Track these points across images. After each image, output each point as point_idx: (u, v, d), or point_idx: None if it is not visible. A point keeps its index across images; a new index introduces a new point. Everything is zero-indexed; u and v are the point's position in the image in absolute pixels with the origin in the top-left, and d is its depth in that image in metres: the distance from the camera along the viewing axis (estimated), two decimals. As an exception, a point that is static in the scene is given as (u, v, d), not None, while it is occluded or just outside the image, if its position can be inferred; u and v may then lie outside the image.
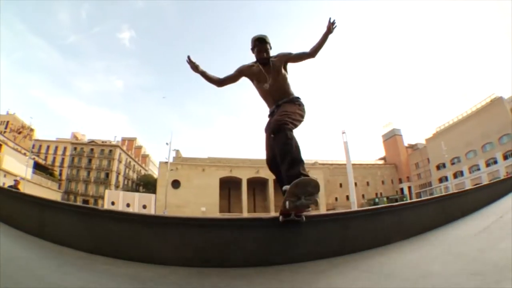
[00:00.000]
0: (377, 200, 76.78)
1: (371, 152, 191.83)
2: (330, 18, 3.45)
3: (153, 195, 48.95)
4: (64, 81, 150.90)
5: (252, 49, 3.66)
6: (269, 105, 3.71)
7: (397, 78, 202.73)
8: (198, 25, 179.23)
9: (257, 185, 59.39)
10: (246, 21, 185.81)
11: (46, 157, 76.33)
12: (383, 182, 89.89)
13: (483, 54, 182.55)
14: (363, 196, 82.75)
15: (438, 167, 76.75)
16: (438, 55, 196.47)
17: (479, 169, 67.56)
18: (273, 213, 52.49)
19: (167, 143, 49.17)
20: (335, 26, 3.49)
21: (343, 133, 36.90)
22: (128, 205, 43.56)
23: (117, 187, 76.14)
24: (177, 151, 67.02)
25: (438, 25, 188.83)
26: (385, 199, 74.93)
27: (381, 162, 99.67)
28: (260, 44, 3.59)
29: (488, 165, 65.78)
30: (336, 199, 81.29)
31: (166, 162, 52.08)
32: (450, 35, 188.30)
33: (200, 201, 52.93)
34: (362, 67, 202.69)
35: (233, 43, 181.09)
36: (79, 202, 63.37)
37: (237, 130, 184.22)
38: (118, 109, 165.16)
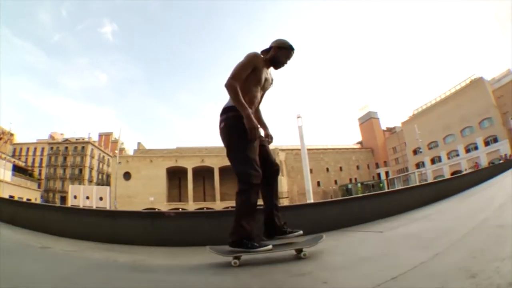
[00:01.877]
0: (350, 186, 70.20)
1: (349, 136, 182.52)
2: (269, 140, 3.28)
3: (108, 188, 51.46)
4: (51, 81, 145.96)
5: (279, 48, 3.08)
6: (251, 104, 3.00)
7: (376, 59, 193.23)
8: (181, 14, 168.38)
9: (206, 174, 57.53)
10: (232, 11, 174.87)
11: (26, 159, 77.30)
12: (358, 167, 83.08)
13: (465, 34, 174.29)
14: (335, 181, 76.56)
15: (415, 152, 69.69)
16: (417, 34, 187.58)
17: (458, 155, 61.15)
18: (218, 202, 53.70)
19: (116, 138, 53.44)
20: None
21: (298, 117, 33.52)
22: (87, 197, 47.01)
23: (90, 181, 77.84)
24: (139, 143, 72.28)
25: (417, 4, 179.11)
26: (359, 184, 68.56)
27: (358, 146, 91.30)
28: (292, 54, 3.15)
29: (468, 151, 59.46)
30: None
31: (115, 156, 53.41)
32: (429, 14, 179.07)
33: (149, 191, 52.79)
34: (338, 48, 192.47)
35: (218, 31, 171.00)
36: (57, 199, 70.87)
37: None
38: (106, 104, 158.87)
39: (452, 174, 50.91)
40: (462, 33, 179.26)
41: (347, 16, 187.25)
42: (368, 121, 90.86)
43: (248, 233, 2.69)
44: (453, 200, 6.61)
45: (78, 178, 76.27)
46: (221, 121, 2.91)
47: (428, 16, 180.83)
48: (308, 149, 77.55)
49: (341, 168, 79.90)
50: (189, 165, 56.92)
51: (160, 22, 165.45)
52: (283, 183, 61.33)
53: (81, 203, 46.49)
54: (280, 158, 61.70)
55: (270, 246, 2.64)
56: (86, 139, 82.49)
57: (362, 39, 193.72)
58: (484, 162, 50.01)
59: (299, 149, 79.40)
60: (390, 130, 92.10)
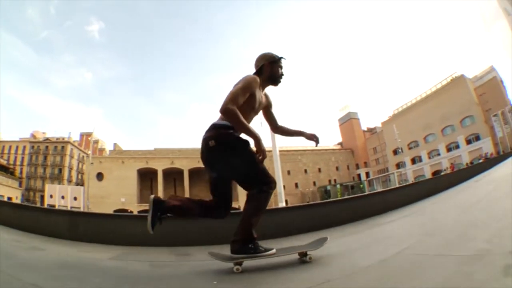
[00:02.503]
0: (328, 187, 66.68)
1: (329, 137, 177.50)
2: (317, 141, 3.22)
3: (82, 188, 50.76)
4: (38, 78, 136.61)
5: (271, 64, 2.89)
6: None
7: (357, 59, 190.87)
8: (170, 13, 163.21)
9: (178, 176, 57.23)
10: (221, 7, 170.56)
11: (8, 157, 76.71)
12: (337, 168, 79.87)
13: (450, 33, 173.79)
14: (314, 183, 73.91)
15: (395, 152, 66.61)
16: (401, 33, 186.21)
17: (439, 154, 58.93)
18: None
19: (89, 139, 51.39)
20: (316, 143, 3.22)
21: None
22: (63, 197, 45.99)
23: (70, 181, 77.59)
24: (115, 144, 74.51)
25: (401, 4, 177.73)
26: (338, 186, 65.04)
27: (338, 147, 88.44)
28: (282, 62, 2.97)
29: (449, 149, 57.39)
30: (284, 187, 69.79)
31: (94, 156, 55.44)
32: (414, 13, 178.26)
33: (121, 192, 52.97)
34: (320, 48, 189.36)
35: (207, 29, 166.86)
36: (38, 199, 69.39)
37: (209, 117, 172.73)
38: (92, 103, 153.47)
39: (433, 174, 48.95)
40: (447, 32, 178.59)
41: (327, 15, 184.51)
42: (348, 122, 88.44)
43: (254, 237, 2.57)
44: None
45: (57, 178, 75.80)
46: (208, 138, 2.60)
47: (412, 16, 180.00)
48: (286, 151, 75.62)
49: (319, 170, 76.73)
50: (160, 166, 56.70)
51: (148, 20, 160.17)
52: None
53: (57, 202, 45.54)
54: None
55: (274, 250, 2.55)
56: (66, 139, 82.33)
57: (344, 38, 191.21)
58: (466, 161, 48.03)
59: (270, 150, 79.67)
60: (371, 131, 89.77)
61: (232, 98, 2.53)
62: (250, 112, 2.73)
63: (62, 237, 4.63)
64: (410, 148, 65.23)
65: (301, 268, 2.39)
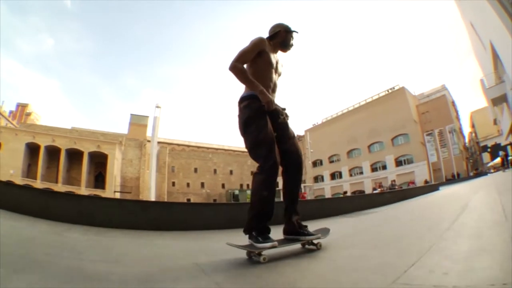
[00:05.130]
0: (237, 192, 55.91)
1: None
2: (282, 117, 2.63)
3: None
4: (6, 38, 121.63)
5: (286, 32, 2.74)
6: (267, 87, 2.55)
7: (300, 60, 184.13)
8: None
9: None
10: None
11: None
12: (252, 173, 64.91)
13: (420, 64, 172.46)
14: (223, 185, 62.04)
15: (315, 164, 53.98)
16: (357, 41, 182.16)
17: (362, 173, 48.41)
18: (60, 185, 48.19)
19: (32, 110, 57.10)
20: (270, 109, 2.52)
21: (157, 107, 26.48)
22: None
23: None
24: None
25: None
26: (248, 191, 52.64)
27: (259, 151, 76.78)
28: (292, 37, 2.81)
29: (374, 169, 46.83)
30: (188, 184, 59.68)
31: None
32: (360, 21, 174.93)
33: (11, 164, 48.79)
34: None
35: (177, 18, 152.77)
36: None
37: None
38: (53, 74, 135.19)
39: (354, 193, 37.54)
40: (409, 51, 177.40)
41: (279, 13, 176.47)
42: (272, 125, 76.62)
43: (253, 226, 2.32)
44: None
45: (-19, 146, 74.09)
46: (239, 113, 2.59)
47: (383, 47, 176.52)
48: (196, 147, 66.73)
49: (231, 172, 64.74)
50: (43, 142, 52.01)
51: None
52: (146, 178, 49.66)
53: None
54: (147, 151, 52.24)
55: (271, 244, 2.20)
56: (-4, 108, 78.54)
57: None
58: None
59: (187, 145, 67.11)
60: (299, 139, 78.06)
61: (239, 57, 2.42)
62: (267, 68, 2.56)
63: None
64: (331, 162, 54.67)
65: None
